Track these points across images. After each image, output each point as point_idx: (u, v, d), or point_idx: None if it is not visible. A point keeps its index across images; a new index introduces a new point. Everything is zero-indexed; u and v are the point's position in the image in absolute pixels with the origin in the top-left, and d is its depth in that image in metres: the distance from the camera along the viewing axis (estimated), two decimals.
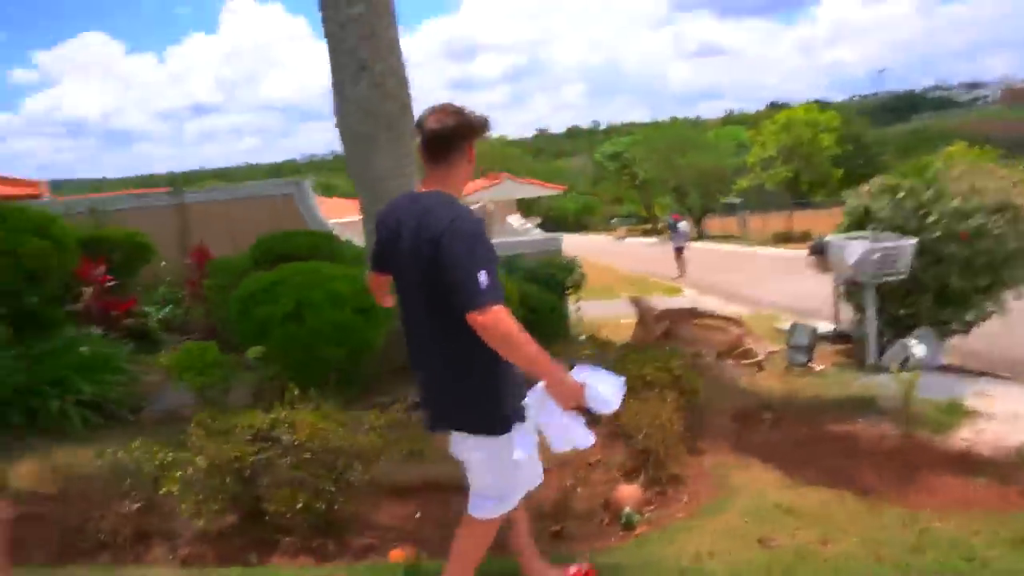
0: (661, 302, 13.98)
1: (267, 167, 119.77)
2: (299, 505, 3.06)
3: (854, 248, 6.57)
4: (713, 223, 36.16)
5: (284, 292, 3.82)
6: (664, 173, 34.54)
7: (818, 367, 6.61)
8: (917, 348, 6.43)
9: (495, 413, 2.31)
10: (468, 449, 2.42)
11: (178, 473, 2.99)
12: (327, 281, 3.87)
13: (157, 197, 7.86)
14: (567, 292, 7.59)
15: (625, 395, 2.41)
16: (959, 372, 6.54)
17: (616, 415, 3.99)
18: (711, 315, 7.51)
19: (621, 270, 20.95)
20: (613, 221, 52.43)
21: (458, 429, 2.42)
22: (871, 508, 3.61)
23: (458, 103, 2.40)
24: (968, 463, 4.29)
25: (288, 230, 5.66)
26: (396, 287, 2.49)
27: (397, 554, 3.08)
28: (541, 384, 2.30)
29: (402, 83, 5.39)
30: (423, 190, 2.41)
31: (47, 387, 4.30)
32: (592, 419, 2.50)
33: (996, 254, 6.20)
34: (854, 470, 4.28)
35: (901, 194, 6.67)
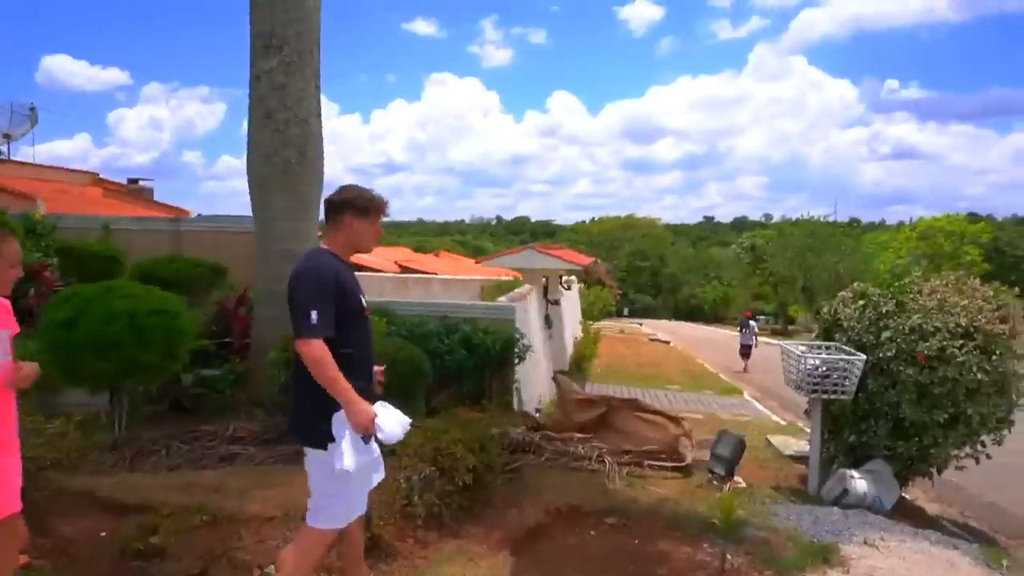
0: (709, 400, 13.08)
1: (438, 224, 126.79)
2: None
3: (798, 359, 5.83)
4: None
5: (73, 303, 4.08)
6: (794, 272, 32.35)
7: (740, 484, 5.83)
8: (857, 483, 5.49)
9: (321, 429, 2.71)
10: (307, 461, 2.84)
11: None
12: (115, 299, 4.08)
13: (157, 222, 8.72)
14: (507, 362, 7.32)
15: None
16: (908, 516, 5.47)
17: None
18: (653, 410, 6.88)
19: (702, 363, 19.78)
20: (759, 319, 49.23)
21: (300, 442, 2.89)
22: None
23: (365, 186, 3.01)
24: None
25: (174, 255, 6.01)
26: None
27: None
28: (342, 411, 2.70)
29: (307, 134, 5.66)
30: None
31: None
32: None
33: (959, 384, 5.21)
34: None
35: (861, 303, 5.84)
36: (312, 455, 2.78)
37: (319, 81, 5.78)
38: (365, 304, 2.95)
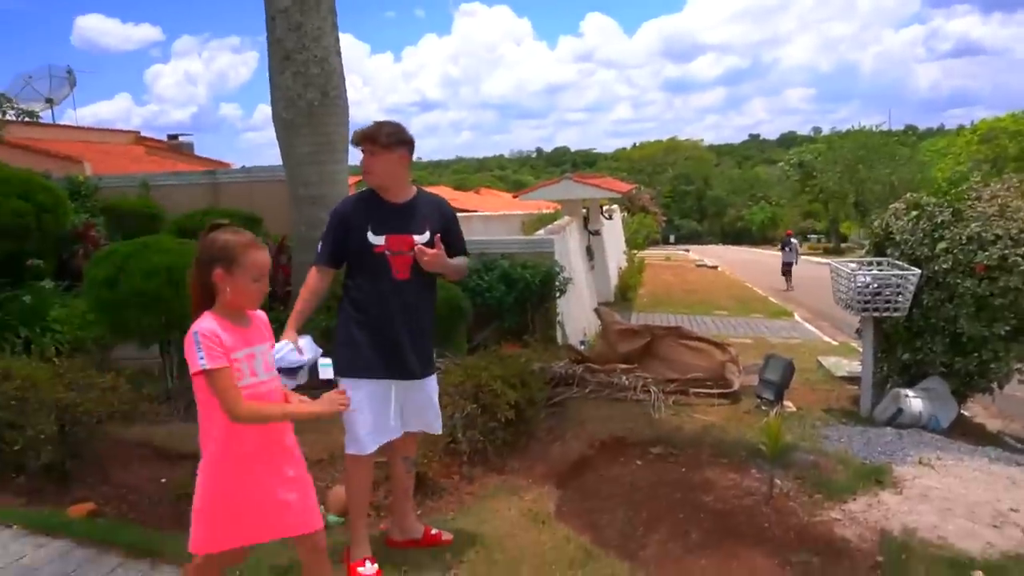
0: (758, 323, 12.88)
1: (477, 161, 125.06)
2: (16, 447, 3.34)
3: (848, 277, 5.61)
4: None
5: (113, 260, 4.16)
6: (845, 186, 30.99)
7: (790, 407, 5.73)
8: (912, 401, 5.33)
9: (335, 354, 2.84)
10: None
11: None
12: (152, 254, 4.14)
13: (194, 176, 8.82)
14: (548, 295, 7.29)
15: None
16: (966, 434, 5.32)
17: None
18: (698, 337, 6.76)
19: (750, 286, 19.44)
20: (811, 238, 47.49)
21: None
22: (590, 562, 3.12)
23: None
24: (810, 541, 3.51)
25: (209, 208, 6.08)
26: None
27: (76, 509, 3.25)
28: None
29: (327, 73, 5.53)
30: None
31: None
32: None
33: (1022, 294, 4.94)
34: (660, 523, 3.71)
35: (914, 214, 5.54)
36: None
37: (335, 18, 5.61)
38: (379, 242, 2.89)
